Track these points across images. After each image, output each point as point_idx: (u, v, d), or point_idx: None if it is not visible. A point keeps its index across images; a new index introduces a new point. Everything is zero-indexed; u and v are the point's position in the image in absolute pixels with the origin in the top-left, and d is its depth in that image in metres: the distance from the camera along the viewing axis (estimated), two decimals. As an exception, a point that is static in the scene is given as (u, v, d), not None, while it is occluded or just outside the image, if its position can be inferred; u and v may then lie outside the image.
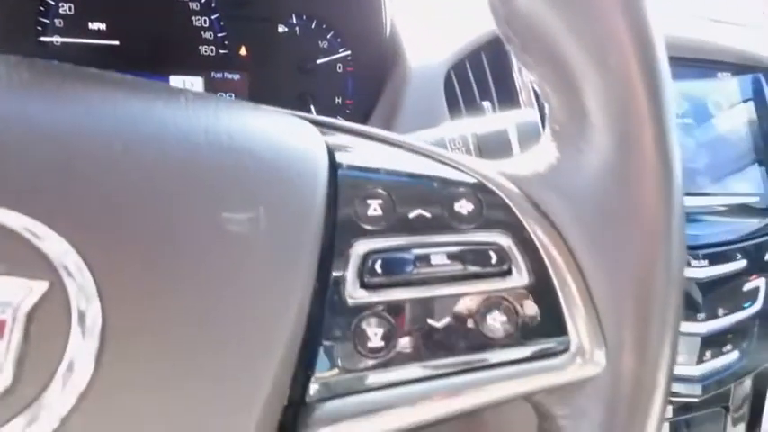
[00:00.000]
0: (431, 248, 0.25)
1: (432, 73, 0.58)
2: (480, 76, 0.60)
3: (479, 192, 0.26)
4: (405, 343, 0.24)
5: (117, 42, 0.59)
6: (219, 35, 0.62)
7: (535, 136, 0.42)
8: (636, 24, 0.24)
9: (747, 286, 0.65)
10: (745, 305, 0.65)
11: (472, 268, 0.26)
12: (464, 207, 0.26)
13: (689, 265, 0.61)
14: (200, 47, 0.62)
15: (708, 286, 0.62)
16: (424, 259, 0.25)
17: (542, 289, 0.26)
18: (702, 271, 0.62)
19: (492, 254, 0.26)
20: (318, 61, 0.65)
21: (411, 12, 0.66)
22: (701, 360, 0.63)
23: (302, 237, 0.23)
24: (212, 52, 0.62)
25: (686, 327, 0.62)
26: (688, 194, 0.64)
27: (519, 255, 0.26)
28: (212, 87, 0.63)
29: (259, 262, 0.22)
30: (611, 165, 0.25)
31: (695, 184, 0.65)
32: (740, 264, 0.64)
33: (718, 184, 0.66)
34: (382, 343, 0.24)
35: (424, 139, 0.42)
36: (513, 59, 0.59)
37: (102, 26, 0.59)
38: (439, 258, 0.25)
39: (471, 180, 0.27)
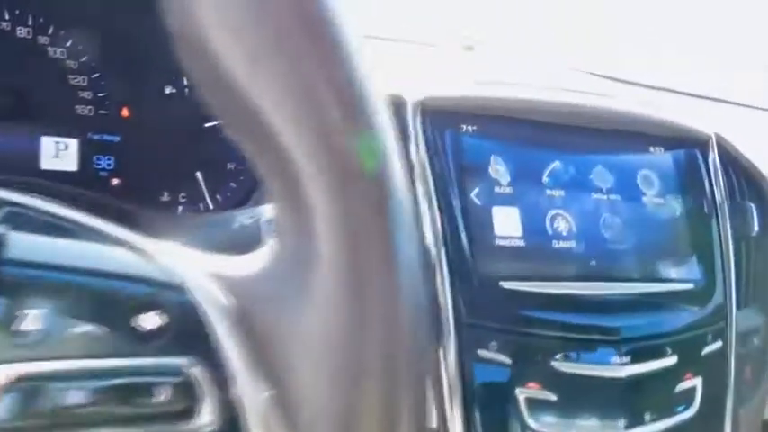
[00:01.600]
0: (89, 381, 0.19)
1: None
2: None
3: (170, 300, 0.20)
4: None
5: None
6: (99, 95, 0.58)
7: None
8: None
9: (680, 387, 0.57)
10: (678, 409, 0.56)
11: (141, 408, 0.19)
12: (146, 321, 0.20)
13: (607, 362, 0.53)
14: (77, 106, 0.57)
15: (630, 387, 0.54)
16: (79, 393, 0.19)
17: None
18: (624, 369, 0.54)
19: (172, 388, 0.19)
20: (207, 125, 0.60)
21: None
22: (625, 476, 0.54)
23: None
24: (90, 112, 0.58)
25: (605, 436, 0.54)
26: (610, 280, 0.58)
27: (208, 389, 0.19)
28: (89, 150, 0.58)
29: None
30: (333, 295, 0.19)
31: (619, 269, 0.58)
32: (671, 360, 0.56)
33: (647, 268, 0.60)
34: None
35: (241, 218, 0.37)
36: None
37: (-32, 82, 0.55)
38: (97, 394, 0.19)
39: (164, 282, 0.20)
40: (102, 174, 0.59)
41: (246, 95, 0.19)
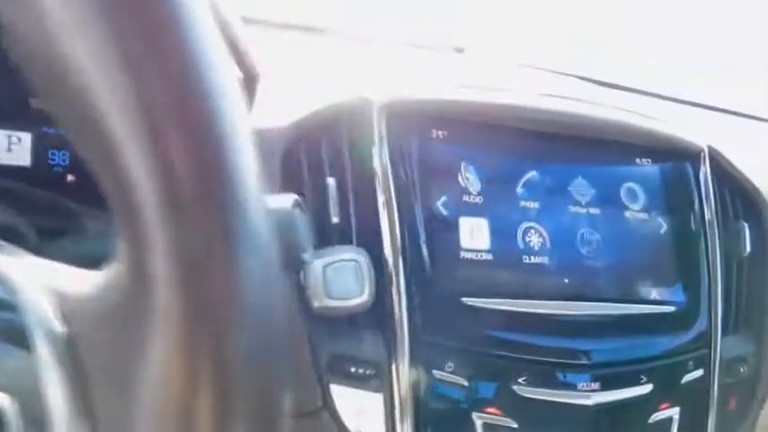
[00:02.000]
0: None
1: (271, 137, 0.50)
2: (333, 149, 0.52)
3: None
4: None
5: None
6: (56, 88, 0.56)
7: (288, 228, 0.33)
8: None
9: (655, 417, 0.53)
10: (652, 441, 0.53)
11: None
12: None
13: (574, 389, 0.50)
14: (31, 99, 0.55)
15: (599, 416, 0.50)
16: None
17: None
18: (592, 396, 0.50)
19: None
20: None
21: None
22: None
23: None
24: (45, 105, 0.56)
25: (570, 468, 0.50)
26: (584, 300, 0.54)
27: (17, 425, 0.16)
28: (43, 144, 0.56)
29: None
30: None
31: (595, 288, 0.55)
32: (645, 388, 0.52)
33: (625, 288, 0.56)
34: None
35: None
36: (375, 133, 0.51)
37: None
38: None
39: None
40: (57, 169, 0.56)
41: (86, 103, 0.16)
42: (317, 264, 0.46)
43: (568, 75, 0.82)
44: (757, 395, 0.60)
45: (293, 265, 0.33)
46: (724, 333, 0.59)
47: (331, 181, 0.49)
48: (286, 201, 0.33)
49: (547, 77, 0.81)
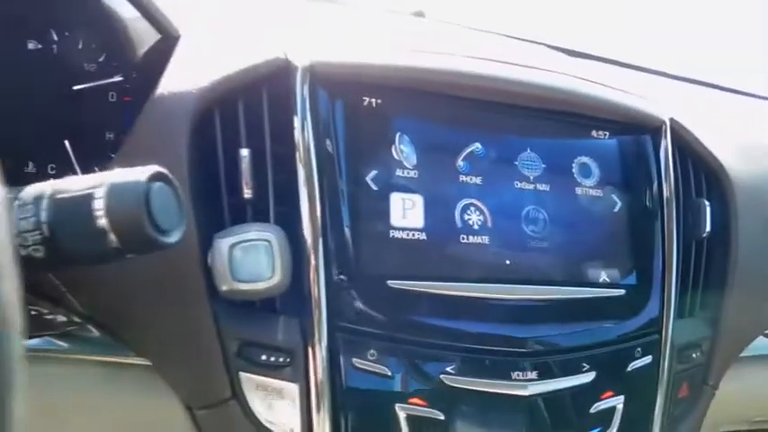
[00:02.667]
0: None
1: (181, 102, 0.45)
2: (250, 117, 0.47)
3: None
4: None
5: None
6: (-49, 49, 0.51)
7: (132, 204, 0.28)
8: None
9: (597, 407, 0.50)
10: (592, 432, 0.50)
11: None
12: None
13: (509, 378, 0.46)
14: None
15: (536, 407, 0.47)
16: None
17: None
18: (529, 387, 0.47)
19: None
20: (78, 86, 0.53)
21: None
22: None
23: None
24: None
25: (502, 461, 0.47)
26: (526, 283, 0.50)
27: None
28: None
29: None
30: None
31: (538, 270, 0.51)
32: (587, 377, 0.49)
33: (572, 271, 0.52)
34: None
35: None
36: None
37: None
38: None
39: None
40: None
41: None
42: (223, 243, 0.42)
43: (532, 41, 0.77)
44: (710, 382, 0.57)
45: (143, 245, 0.29)
46: (678, 317, 0.55)
47: (245, 152, 0.45)
48: (142, 173, 0.29)
49: (510, 44, 0.76)
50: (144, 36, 0.54)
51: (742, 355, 0.61)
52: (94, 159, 0.55)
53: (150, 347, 0.44)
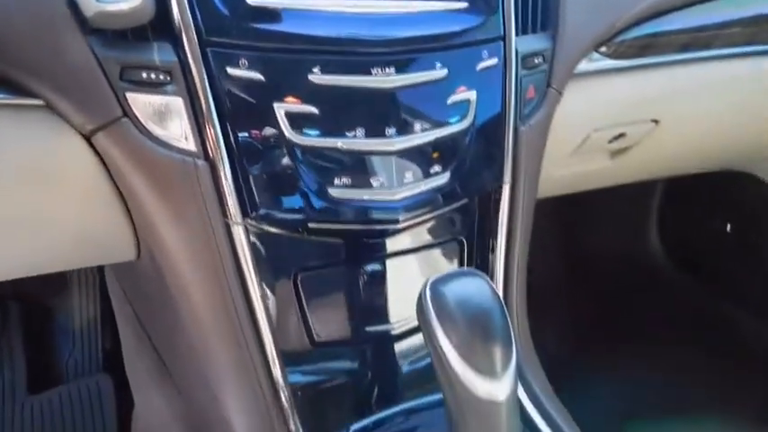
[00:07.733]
0: None
1: None
2: None
3: None
4: None
5: None
6: None
7: None
8: None
9: (453, 99, 0.58)
10: (452, 120, 0.58)
11: None
12: None
13: (369, 73, 0.53)
14: None
15: (398, 98, 0.55)
16: None
17: None
18: (389, 80, 0.54)
19: None
20: None
21: None
22: (401, 183, 0.56)
23: None
24: None
25: (375, 144, 0.55)
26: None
27: None
28: None
29: None
30: None
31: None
32: (440, 73, 0.57)
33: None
34: None
35: None
36: None
37: None
38: None
39: None
40: None
41: None
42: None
43: None
44: (553, 85, 0.66)
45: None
46: (522, 33, 0.63)
47: None
48: None
49: None
50: None
51: (586, 69, 0.70)
52: None
53: (40, 86, 0.48)
